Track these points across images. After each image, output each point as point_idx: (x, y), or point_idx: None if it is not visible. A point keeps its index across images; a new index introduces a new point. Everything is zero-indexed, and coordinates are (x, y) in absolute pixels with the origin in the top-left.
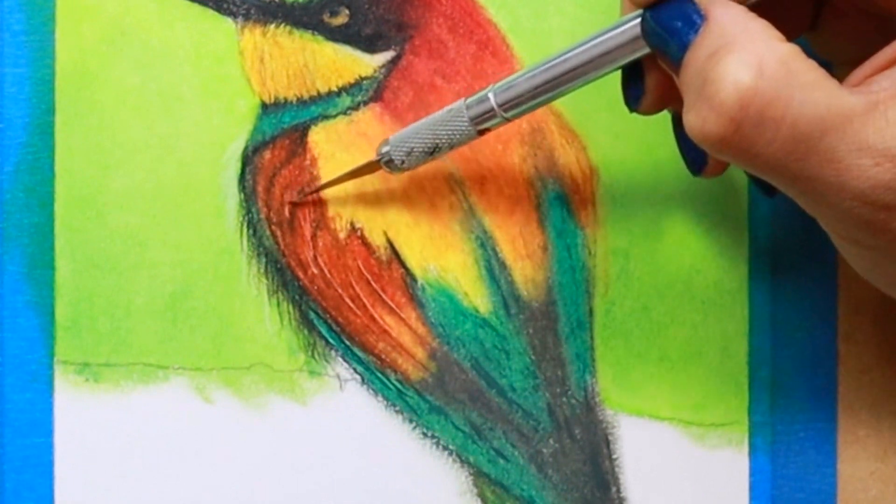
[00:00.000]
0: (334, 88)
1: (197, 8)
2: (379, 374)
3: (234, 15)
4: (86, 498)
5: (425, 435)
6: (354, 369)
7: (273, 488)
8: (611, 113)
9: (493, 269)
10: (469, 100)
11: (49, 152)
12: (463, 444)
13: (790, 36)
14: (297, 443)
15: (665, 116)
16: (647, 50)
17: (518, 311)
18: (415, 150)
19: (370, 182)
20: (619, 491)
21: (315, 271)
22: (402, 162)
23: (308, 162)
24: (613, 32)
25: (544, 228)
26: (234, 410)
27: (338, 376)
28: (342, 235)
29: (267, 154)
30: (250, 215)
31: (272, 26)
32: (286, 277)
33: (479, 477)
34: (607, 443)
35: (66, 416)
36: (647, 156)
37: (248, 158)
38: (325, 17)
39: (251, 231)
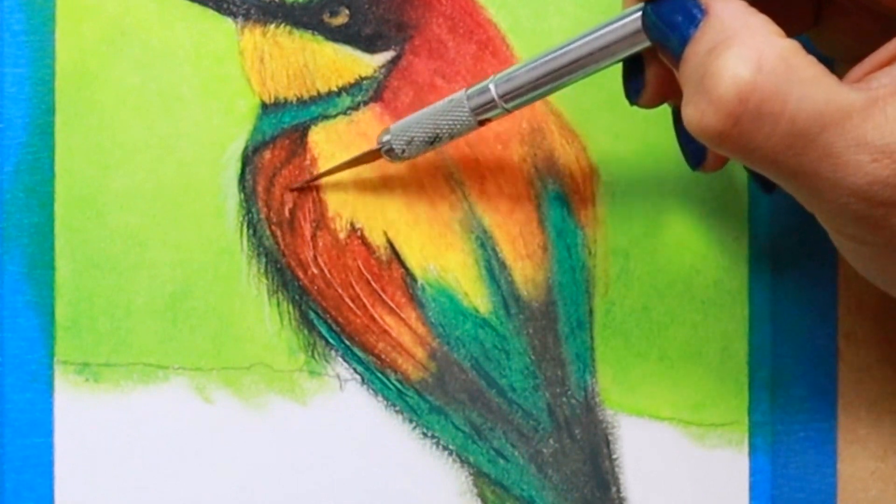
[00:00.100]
0: (334, 88)
1: (197, 8)
2: (379, 374)
3: (234, 15)
4: (86, 498)
5: (425, 435)
6: (354, 369)
7: (273, 488)
8: (610, 113)
9: (493, 269)
10: (470, 90)
11: (49, 152)
12: (463, 444)
13: (792, 32)
14: (297, 443)
15: (665, 117)
16: (647, 43)
17: (518, 311)
18: (415, 139)
19: (370, 182)
20: (619, 491)
21: (315, 271)
22: (403, 151)
23: (308, 162)
24: (614, 26)
25: (544, 228)
26: (234, 410)
27: (338, 376)
28: (342, 235)
29: (267, 154)
30: (250, 215)
31: (272, 26)
32: (286, 277)
33: (479, 477)
34: (607, 443)
35: (66, 416)
36: (647, 155)
37: (248, 158)
38: (325, 17)
39: (251, 231)
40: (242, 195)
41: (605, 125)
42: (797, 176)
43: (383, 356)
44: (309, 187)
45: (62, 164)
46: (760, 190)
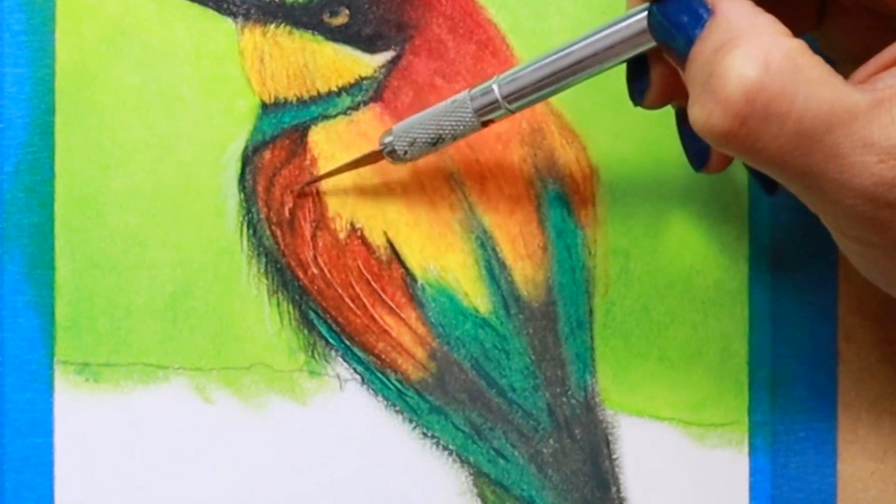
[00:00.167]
0: (334, 88)
1: (197, 8)
2: (379, 374)
3: (234, 15)
4: (86, 498)
5: (425, 435)
6: (354, 369)
7: (273, 488)
8: (611, 113)
9: (493, 269)
10: (473, 91)
11: (49, 152)
12: (463, 444)
13: (796, 33)
14: (297, 443)
15: (664, 117)
16: (652, 44)
17: (518, 311)
18: (418, 140)
19: (370, 182)
20: (619, 491)
21: (315, 271)
22: (405, 152)
23: (308, 162)
24: (619, 26)
25: (544, 228)
26: (234, 410)
27: (338, 376)
28: (342, 235)
29: (267, 154)
30: (250, 215)
31: (272, 26)
32: (286, 277)
33: (479, 477)
34: (607, 443)
35: (66, 416)
36: (648, 156)
37: (248, 158)
38: (325, 17)
39: (251, 231)
40: (242, 195)
41: (606, 125)
42: (803, 176)
43: (383, 356)
44: (308, 187)
45: (62, 164)
46: (763, 192)
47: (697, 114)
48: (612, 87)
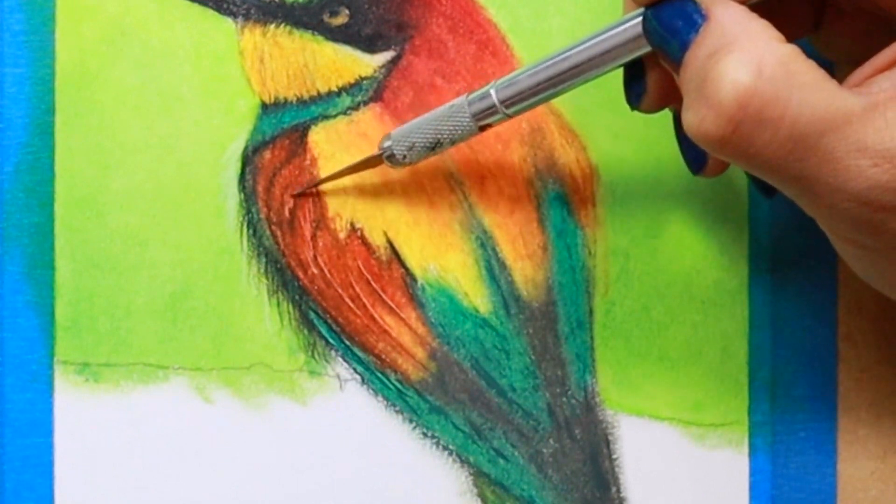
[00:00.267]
0: (334, 88)
1: (197, 8)
2: (379, 374)
3: (234, 15)
4: (86, 498)
5: (425, 435)
6: (354, 369)
7: (273, 488)
8: (611, 113)
9: (493, 269)
10: (471, 96)
11: (49, 152)
12: (463, 444)
13: (793, 36)
14: (297, 443)
15: (665, 116)
16: (648, 48)
17: (518, 311)
18: (416, 144)
19: (370, 182)
20: (619, 491)
21: (315, 271)
22: (404, 157)
23: (308, 162)
24: (615, 31)
25: (544, 228)
26: (234, 410)
27: (338, 376)
28: (342, 235)
29: (267, 154)
30: (250, 215)
31: (272, 26)
32: (286, 277)
33: (479, 477)
34: (607, 443)
35: (66, 416)
36: (647, 156)
37: (248, 158)
38: (325, 17)
39: (251, 231)
40: (242, 195)
41: (606, 126)
42: (798, 181)
43: (383, 356)
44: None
45: (62, 164)
46: (761, 194)
47: (691, 119)
48: (611, 88)
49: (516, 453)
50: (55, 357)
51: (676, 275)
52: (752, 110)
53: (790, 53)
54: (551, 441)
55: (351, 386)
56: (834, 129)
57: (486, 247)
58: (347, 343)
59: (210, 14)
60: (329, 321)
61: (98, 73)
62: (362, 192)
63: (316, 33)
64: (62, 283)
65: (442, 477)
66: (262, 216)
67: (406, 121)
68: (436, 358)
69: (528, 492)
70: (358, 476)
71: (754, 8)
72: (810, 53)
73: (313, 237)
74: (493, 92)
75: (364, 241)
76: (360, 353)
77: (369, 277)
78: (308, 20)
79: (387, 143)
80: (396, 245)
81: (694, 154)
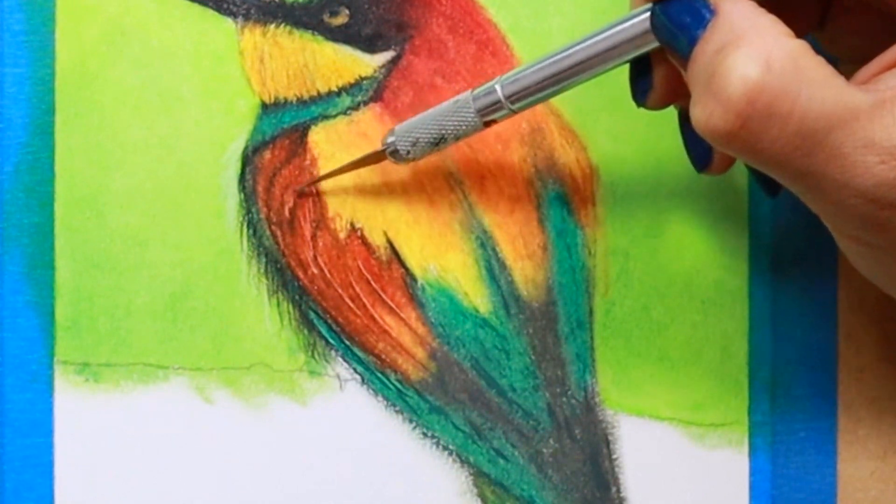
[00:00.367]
0: (334, 88)
1: (197, 8)
2: (379, 374)
3: (234, 15)
4: (86, 498)
5: (425, 435)
6: (354, 369)
7: (273, 488)
8: (611, 113)
9: (493, 269)
10: (476, 91)
11: (49, 152)
12: (463, 444)
13: (799, 33)
14: (297, 443)
15: (665, 116)
16: (655, 44)
17: (518, 311)
18: (420, 140)
19: (370, 182)
20: (619, 491)
21: (315, 271)
22: (408, 152)
23: (308, 162)
24: (622, 26)
25: (544, 228)
26: (234, 410)
27: (338, 376)
28: (342, 235)
29: (267, 154)
30: (250, 215)
31: (272, 26)
32: (286, 277)
33: (479, 477)
34: (607, 443)
35: (66, 416)
36: (647, 156)
37: (248, 158)
38: (325, 17)
39: (251, 231)
40: (242, 195)
41: (606, 126)
42: (804, 177)
43: (383, 356)
44: (309, 187)
45: (62, 164)
46: (764, 193)
47: (699, 114)
48: (612, 88)
49: (516, 453)
50: (55, 357)
51: (676, 275)
52: (760, 105)
53: (799, 49)
54: (551, 441)
55: (351, 386)
56: (842, 126)
57: (486, 247)
58: (347, 343)
59: (210, 14)
60: (329, 321)
61: (98, 73)
62: (362, 191)
63: (316, 33)
64: (62, 283)
65: (442, 477)
66: (262, 216)
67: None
68: (436, 358)
69: (528, 492)
70: (358, 476)
71: (762, 3)
72: (816, 50)
73: (313, 237)
74: (498, 87)
75: (364, 241)
76: (360, 353)
77: (369, 277)
78: (308, 20)
79: (390, 139)
80: (396, 245)
81: (699, 151)
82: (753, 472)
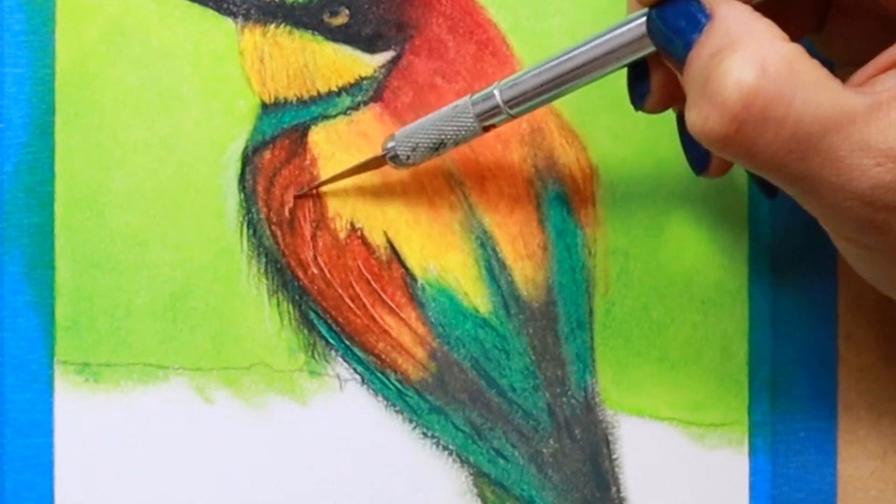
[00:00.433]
0: (334, 88)
1: (197, 8)
2: (379, 374)
3: (234, 15)
4: (86, 498)
5: (425, 435)
6: (354, 369)
7: (273, 488)
8: (611, 113)
9: (493, 269)
10: (475, 96)
11: (49, 152)
12: (463, 444)
13: (796, 36)
14: (297, 443)
15: (665, 117)
16: (652, 48)
17: (518, 311)
18: (420, 145)
19: (370, 182)
20: (619, 491)
21: (315, 271)
22: (408, 157)
23: (308, 162)
24: (619, 31)
25: (544, 228)
26: (234, 410)
27: (338, 376)
28: (342, 235)
29: (267, 154)
30: (250, 215)
31: (272, 26)
32: (286, 277)
33: (479, 477)
34: (607, 443)
35: (66, 416)
36: (648, 156)
37: (248, 158)
38: (325, 17)
39: (251, 231)
40: (242, 195)
41: (606, 126)
42: (800, 180)
43: (383, 356)
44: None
45: (62, 164)
46: (763, 195)
47: (695, 118)
48: (612, 88)
49: (516, 453)
50: (55, 357)
51: (676, 275)
52: (755, 109)
53: (794, 52)
54: (551, 441)
55: (351, 386)
56: (837, 129)
57: (486, 247)
58: (347, 343)
59: (210, 14)
60: (329, 321)
61: (98, 73)
62: (362, 192)
63: (316, 33)
64: (62, 283)
65: (442, 477)
66: (262, 216)
67: (406, 121)
68: (436, 358)
69: (528, 492)
70: (358, 476)
71: (758, 7)
72: (812, 53)
73: (313, 237)
74: (496, 93)
75: (364, 241)
76: (360, 353)
77: (369, 277)
78: (308, 20)
79: (390, 144)
80: (396, 245)
81: (697, 154)
82: (753, 472)
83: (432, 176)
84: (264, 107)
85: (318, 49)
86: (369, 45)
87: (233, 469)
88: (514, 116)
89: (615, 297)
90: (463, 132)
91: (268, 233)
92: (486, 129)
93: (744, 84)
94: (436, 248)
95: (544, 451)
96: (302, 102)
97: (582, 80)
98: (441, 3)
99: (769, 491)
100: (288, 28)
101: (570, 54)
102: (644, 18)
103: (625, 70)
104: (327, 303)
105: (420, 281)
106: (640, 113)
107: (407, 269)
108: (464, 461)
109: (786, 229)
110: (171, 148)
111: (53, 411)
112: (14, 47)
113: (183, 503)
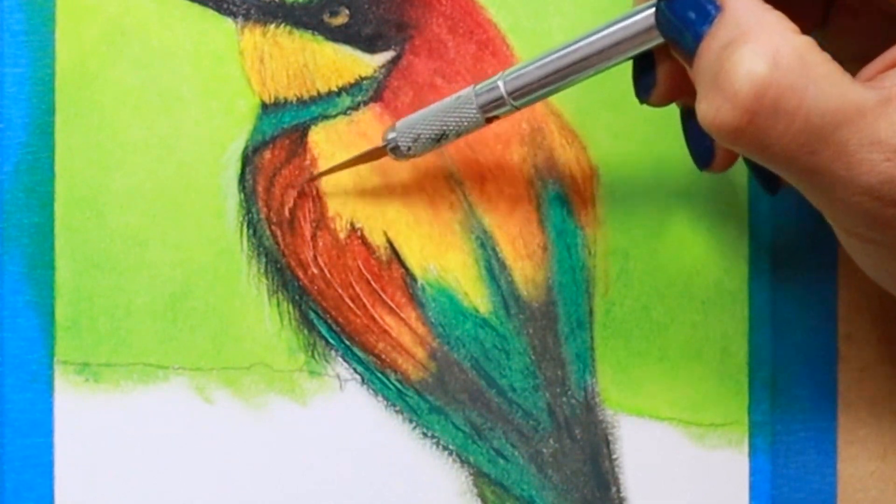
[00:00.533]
0: (334, 88)
1: (197, 8)
2: (379, 374)
3: (234, 15)
4: (86, 498)
5: (425, 435)
6: (354, 369)
7: (273, 488)
8: (611, 113)
9: (493, 269)
10: (478, 87)
11: (49, 152)
12: (463, 444)
13: (802, 32)
14: (297, 443)
15: (665, 117)
16: (660, 40)
17: (518, 311)
18: (422, 136)
19: (370, 182)
20: (619, 491)
21: (315, 271)
22: (409, 148)
23: (308, 162)
24: (627, 22)
25: (544, 228)
26: (234, 410)
27: (338, 376)
28: (342, 235)
29: (267, 154)
30: (250, 215)
31: (272, 26)
32: (286, 277)
33: (479, 477)
34: (607, 443)
35: (66, 416)
36: (648, 156)
37: (248, 158)
38: (325, 17)
39: (251, 231)
40: (242, 195)
41: (606, 125)
42: (810, 173)
43: (383, 356)
44: (309, 187)
45: (62, 164)
46: (764, 191)
47: (706, 110)
48: (613, 87)
49: (516, 453)
50: (55, 357)
51: (676, 275)
52: (767, 101)
53: (806, 45)
54: (551, 441)
55: (351, 386)
56: (848, 123)
57: (486, 247)
58: (347, 343)
59: (210, 14)
60: (329, 321)
61: (98, 73)
62: (362, 192)
63: (316, 33)
64: (62, 283)
65: (442, 477)
66: (262, 216)
67: None
68: (436, 358)
69: (528, 492)
70: (358, 476)
71: (766, 0)
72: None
73: (313, 237)
74: (500, 83)
75: (364, 241)
76: (360, 353)
77: (369, 277)
78: (308, 20)
79: (391, 135)
80: (396, 245)
81: (701, 148)
82: (753, 472)
83: (432, 176)
84: (264, 107)
85: (318, 49)
86: (369, 45)
87: (233, 469)
88: (517, 108)
89: (615, 297)
90: (466, 123)
91: (268, 233)
92: (489, 120)
93: (756, 76)
94: (436, 248)
95: (544, 451)
96: (302, 102)
97: (587, 71)
98: (441, 3)
99: (769, 491)
100: (288, 28)
101: (576, 45)
102: (652, 10)
103: (627, 67)
104: (327, 303)
105: (420, 281)
106: (640, 113)
107: (407, 269)
108: (464, 461)
109: (786, 229)
110: (171, 148)
111: (53, 411)
112: (14, 47)
113: (183, 503)
